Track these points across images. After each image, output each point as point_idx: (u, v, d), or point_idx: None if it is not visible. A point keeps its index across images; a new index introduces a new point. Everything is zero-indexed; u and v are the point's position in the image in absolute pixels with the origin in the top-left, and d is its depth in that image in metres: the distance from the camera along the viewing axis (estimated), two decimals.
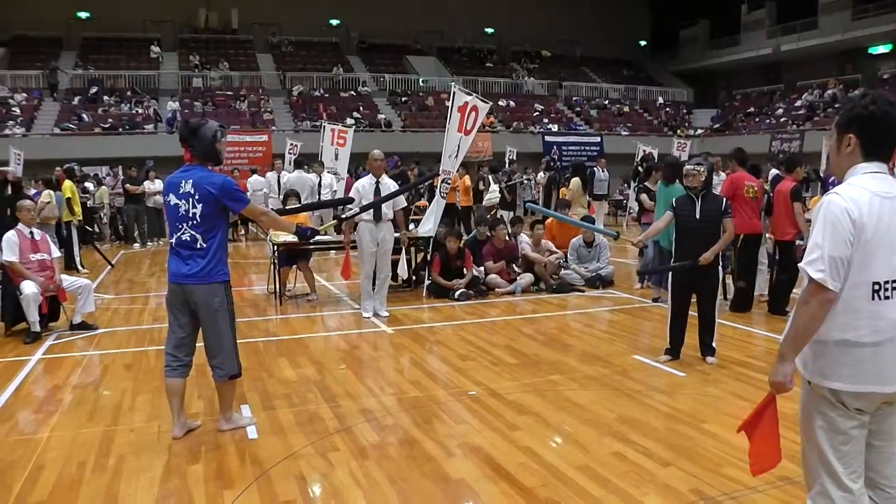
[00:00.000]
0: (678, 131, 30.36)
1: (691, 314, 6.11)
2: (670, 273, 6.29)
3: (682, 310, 6.07)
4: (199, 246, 4.26)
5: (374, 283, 8.08)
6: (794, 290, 7.73)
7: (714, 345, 6.09)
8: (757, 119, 30.70)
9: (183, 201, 4.23)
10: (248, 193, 14.87)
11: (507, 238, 9.81)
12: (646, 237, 6.60)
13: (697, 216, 5.98)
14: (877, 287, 2.31)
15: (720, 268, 6.24)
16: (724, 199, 6.31)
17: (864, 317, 2.32)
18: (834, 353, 2.36)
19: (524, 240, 10.13)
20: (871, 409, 2.39)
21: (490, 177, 15.85)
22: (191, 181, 4.24)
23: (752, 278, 8.14)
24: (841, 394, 2.36)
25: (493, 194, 15.21)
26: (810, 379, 2.43)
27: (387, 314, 8.07)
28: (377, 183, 7.83)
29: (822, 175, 15.99)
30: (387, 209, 7.80)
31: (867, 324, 2.32)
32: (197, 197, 4.21)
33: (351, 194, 7.93)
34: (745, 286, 8.08)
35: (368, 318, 7.95)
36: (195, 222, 4.24)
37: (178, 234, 4.28)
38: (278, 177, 15.83)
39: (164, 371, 4.50)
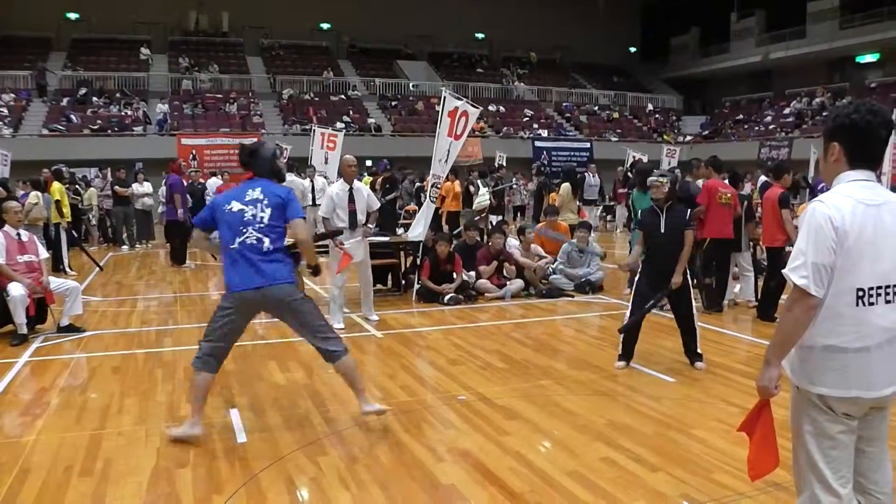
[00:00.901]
0: (665, 136, 30.52)
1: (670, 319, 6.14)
2: (637, 275, 6.20)
3: (639, 318, 6.04)
4: (266, 248, 4.37)
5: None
6: (783, 297, 7.78)
7: (699, 350, 6.10)
8: (746, 126, 30.94)
9: (250, 206, 4.41)
10: (208, 193, 14.68)
11: (501, 247, 9.80)
12: (634, 265, 6.45)
13: (662, 230, 5.93)
14: (861, 294, 2.34)
15: (689, 277, 6.18)
16: (689, 210, 6.19)
17: (848, 323, 2.35)
18: (820, 358, 2.38)
19: (513, 244, 10.14)
20: (859, 414, 2.42)
21: (479, 181, 15.89)
22: (259, 188, 4.47)
23: (723, 280, 8.49)
24: (828, 399, 2.39)
25: (482, 198, 15.24)
26: (798, 384, 2.45)
27: (376, 318, 8.06)
28: (350, 189, 7.73)
29: (810, 182, 16.13)
30: (361, 214, 7.72)
31: (852, 330, 2.34)
32: (266, 202, 4.42)
33: (325, 202, 7.86)
34: (711, 283, 8.29)
35: (341, 328, 7.61)
36: (262, 225, 4.39)
37: (243, 237, 4.37)
38: None
39: (201, 364, 4.43)
